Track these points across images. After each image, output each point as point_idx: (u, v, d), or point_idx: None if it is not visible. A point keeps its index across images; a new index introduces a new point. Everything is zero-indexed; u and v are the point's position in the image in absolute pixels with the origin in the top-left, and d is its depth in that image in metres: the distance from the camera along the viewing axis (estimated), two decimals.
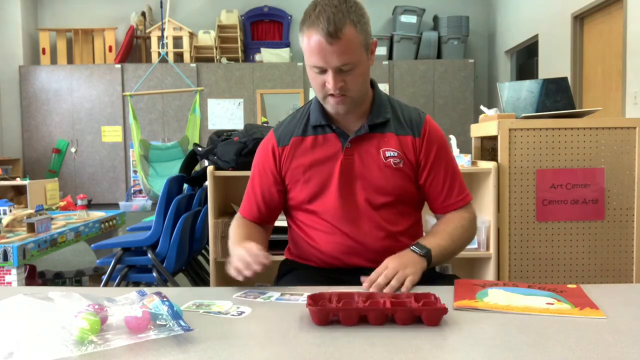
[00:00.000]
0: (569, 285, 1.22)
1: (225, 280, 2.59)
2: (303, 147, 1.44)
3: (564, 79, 2.58)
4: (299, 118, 1.49)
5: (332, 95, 1.33)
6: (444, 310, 0.99)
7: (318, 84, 1.34)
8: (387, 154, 1.41)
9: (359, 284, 1.33)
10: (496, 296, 1.13)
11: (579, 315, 1.03)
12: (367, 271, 1.42)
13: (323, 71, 1.31)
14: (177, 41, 8.57)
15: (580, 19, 5.82)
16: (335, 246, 1.42)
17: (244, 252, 1.26)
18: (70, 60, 8.61)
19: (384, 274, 1.22)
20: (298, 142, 1.44)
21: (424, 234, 1.54)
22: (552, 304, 1.09)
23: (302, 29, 1.31)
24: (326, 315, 0.99)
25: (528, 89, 2.56)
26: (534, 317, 1.02)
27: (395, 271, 1.22)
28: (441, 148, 1.46)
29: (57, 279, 3.50)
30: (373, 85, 1.47)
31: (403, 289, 1.19)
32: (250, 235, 1.42)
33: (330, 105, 1.37)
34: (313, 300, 1.04)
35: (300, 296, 1.17)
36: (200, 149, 2.97)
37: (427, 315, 0.98)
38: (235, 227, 1.50)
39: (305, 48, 1.31)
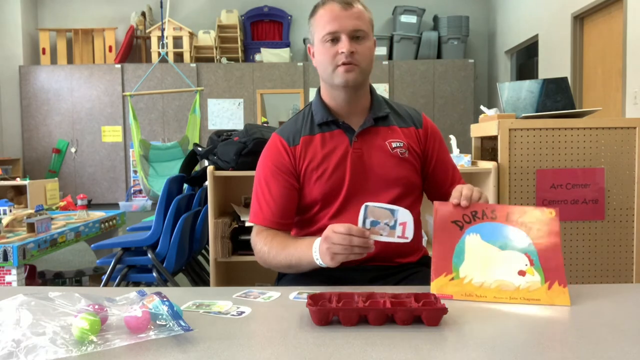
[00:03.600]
0: (549, 212, 1.23)
1: (225, 280, 2.59)
2: (313, 145, 1.45)
3: (564, 79, 2.58)
4: (303, 119, 1.50)
5: (343, 64, 1.38)
6: (444, 310, 0.99)
7: (329, 56, 1.39)
8: (394, 144, 1.46)
9: (360, 282, 1.33)
10: (470, 263, 1.17)
11: (546, 304, 1.10)
12: (369, 267, 1.42)
13: (336, 40, 1.38)
14: (177, 41, 8.57)
15: (580, 19, 5.82)
16: None
17: (341, 230, 1.17)
18: (70, 60, 8.62)
19: (467, 187, 1.28)
20: (308, 141, 1.45)
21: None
22: (524, 274, 1.14)
23: (314, 11, 1.43)
24: (326, 315, 0.98)
25: (528, 89, 2.56)
26: (533, 316, 1.03)
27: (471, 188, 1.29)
28: (441, 140, 1.57)
29: (57, 279, 3.50)
30: (370, 86, 1.53)
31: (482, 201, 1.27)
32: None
33: (339, 76, 1.39)
34: (313, 300, 1.03)
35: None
36: (200, 149, 2.97)
37: (427, 315, 0.98)
38: (272, 238, 1.40)
39: (318, 23, 1.41)
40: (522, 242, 1.18)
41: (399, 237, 1.18)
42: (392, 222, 1.18)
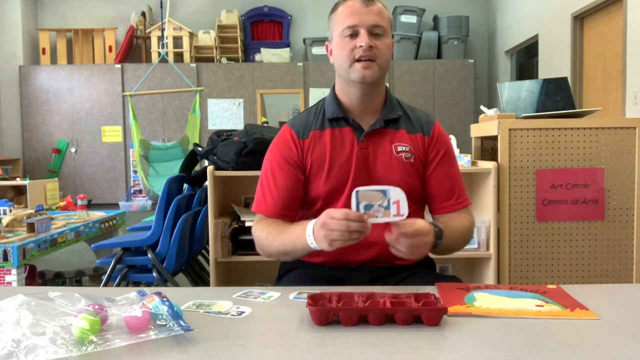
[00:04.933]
0: (549, 286, 1.22)
1: (225, 280, 2.59)
2: (322, 140, 1.45)
3: (564, 79, 2.58)
4: (315, 113, 1.50)
5: (361, 60, 1.38)
6: (444, 310, 0.99)
7: (347, 50, 1.39)
8: (399, 148, 1.44)
9: (360, 282, 1.33)
10: (485, 300, 1.13)
11: (572, 317, 1.03)
12: (369, 267, 1.42)
13: (355, 34, 1.38)
14: (177, 41, 8.57)
15: (580, 19, 5.82)
16: None
17: (339, 215, 1.16)
18: (70, 60, 8.61)
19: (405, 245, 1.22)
20: (317, 136, 1.45)
21: None
22: (542, 306, 1.09)
23: (335, 7, 1.45)
24: (326, 315, 0.98)
25: (528, 89, 2.56)
26: (534, 317, 1.02)
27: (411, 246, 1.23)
28: (448, 151, 1.51)
29: (57, 279, 3.50)
30: (385, 86, 1.52)
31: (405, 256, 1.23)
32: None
33: (357, 72, 1.38)
34: (313, 300, 1.03)
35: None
36: (200, 149, 2.97)
37: (427, 316, 0.97)
38: (270, 224, 1.40)
39: (338, 18, 1.42)
40: (532, 296, 1.15)
41: (394, 215, 1.20)
42: (386, 203, 1.20)
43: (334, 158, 1.43)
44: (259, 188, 1.48)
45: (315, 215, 1.47)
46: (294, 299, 1.17)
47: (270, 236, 1.37)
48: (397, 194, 1.19)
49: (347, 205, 1.42)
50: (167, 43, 7.14)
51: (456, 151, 2.62)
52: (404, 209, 1.19)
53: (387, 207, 1.19)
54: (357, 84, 1.41)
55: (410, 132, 1.47)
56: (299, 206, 1.48)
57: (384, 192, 1.19)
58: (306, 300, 1.03)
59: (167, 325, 0.91)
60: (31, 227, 2.61)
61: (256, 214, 1.48)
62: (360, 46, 1.36)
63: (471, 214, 1.53)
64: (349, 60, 1.39)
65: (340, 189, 1.43)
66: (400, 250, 1.22)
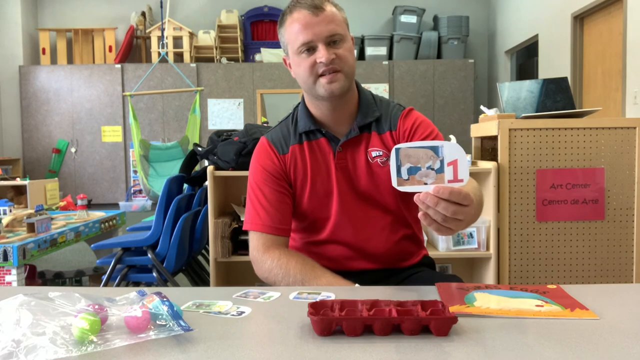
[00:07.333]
0: (549, 286, 1.22)
1: (225, 280, 2.59)
2: (302, 155, 1.40)
3: (564, 79, 2.58)
4: (290, 127, 1.43)
5: (323, 75, 1.29)
6: (454, 320, 0.93)
7: (307, 67, 1.29)
8: (373, 154, 1.38)
9: (362, 283, 1.32)
10: (485, 300, 1.12)
11: (572, 317, 1.02)
12: (370, 273, 1.41)
13: (312, 49, 1.29)
14: (177, 41, 8.57)
15: (580, 19, 5.82)
16: (337, 252, 1.42)
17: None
18: (70, 60, 8.62)
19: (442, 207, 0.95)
20: (297, 151, 1.40)
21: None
22: (542, 306, 1.09)
23: (283, 20, 1.33)
24: (329, 325, 0.93)
25: (528, 89, 2.56)
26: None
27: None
28: (417, 126, 1.38)
29: (57, 279, 3.50)
30: (357, 85, 1.43)
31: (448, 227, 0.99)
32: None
33: (322, 87, 1.30)
34: (314, 309, 0.98)
35: (317, 295, 1.17)
36: (200, 149, 2.97)
37: (436, 325, 0.92)
38: (296, 260, 1.32)
39: (290, 33, 1.31)
40: (532, 296, 1.15)
41: (450, 181, 0.92)
42: (438, 164, 0.92)
43: (314, 173, 1.38)
44: (249, 205, 1.40)
45: (314, 227, 1.43)
46: (294, 299, 1.16)
47: (296, 277, 1.29)
48: (453, 152, 0.91)
49: (341, 216, 1.38)
50: (167, 43, 7.14)
51: None
52: (464, 173, 0.91)
53: (440, 170, 0.91)
54: (325, 98, 1.32)
55: (380, 133, 1.38)
56: (291, 219, 1.42)
57: (434, 149, 0.91)
58: (306, 301, 1.02)
59: (167, 325, 0.90)
60: (31, 227, 2.61)
61: (249, 232, 1.40)
62: (321, 62, 1.27)
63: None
64: (312, 77, 1.30)
65: (326, 203, 1.39)
66: (432, 220, 0.97)
